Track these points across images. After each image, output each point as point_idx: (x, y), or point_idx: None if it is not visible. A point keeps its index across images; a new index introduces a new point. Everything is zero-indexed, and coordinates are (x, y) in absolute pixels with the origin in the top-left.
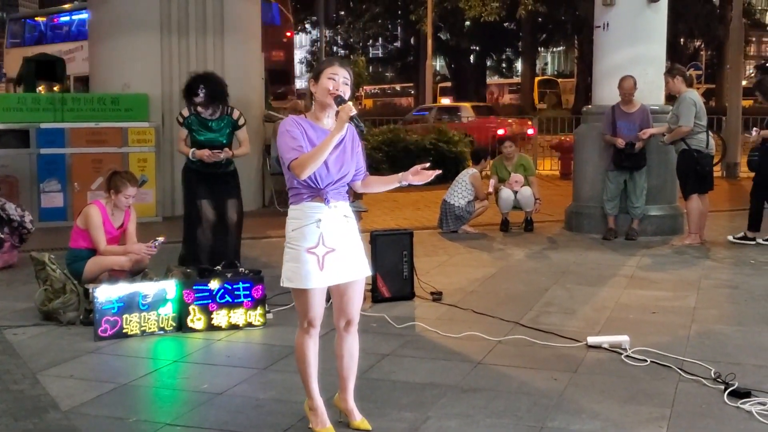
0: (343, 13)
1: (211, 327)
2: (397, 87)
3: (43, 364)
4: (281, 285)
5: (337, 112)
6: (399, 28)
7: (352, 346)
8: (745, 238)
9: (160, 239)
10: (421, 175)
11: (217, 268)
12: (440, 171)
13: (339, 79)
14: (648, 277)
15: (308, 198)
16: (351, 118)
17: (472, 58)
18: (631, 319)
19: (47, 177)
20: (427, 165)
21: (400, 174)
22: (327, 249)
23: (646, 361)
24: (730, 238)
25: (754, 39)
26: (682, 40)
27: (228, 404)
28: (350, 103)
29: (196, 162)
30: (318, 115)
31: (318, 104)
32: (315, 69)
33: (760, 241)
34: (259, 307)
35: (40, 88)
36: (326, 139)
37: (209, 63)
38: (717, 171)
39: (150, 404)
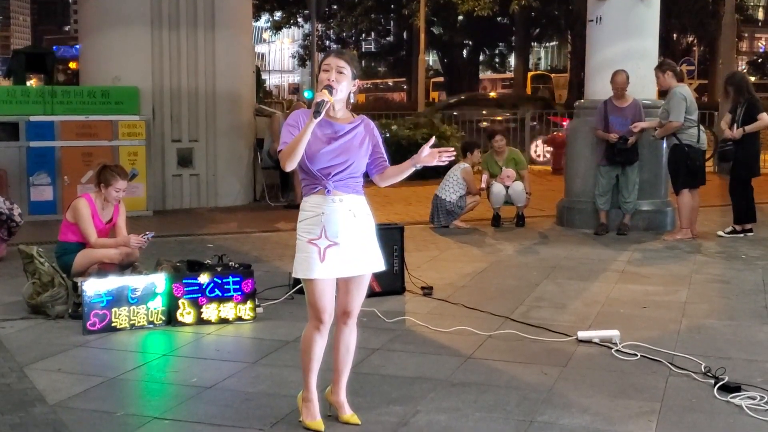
0: (335, 7)
1: (200, 321)
2: (390, 82)
3: (30, 358)
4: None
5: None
6: (391, 22)
7: (348, 339)
8: (734, 231)
9: (150, 233)
10: (431, 155)
11: (207, 262)
12: (453, 150)
13: (332, 68)
14: (639, 272)
15: (314, 190)
16: (316, 104)
17: (464, 52)
18: (621, 313)
19: (36, 170)
20: (433, 141)
21: (412, 157)
22: (329, 242)
23: (637, 355)
24: (720, 233)
25: (746, 35)
26: (674, 35)
27: (217, 398)
28: (324, 92)
29: None
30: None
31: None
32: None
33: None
34: (249, 302)
35: (32, 81)
36: (303, 128)
37: (200, 56)
38: (708, 166)
39: (138, 398)
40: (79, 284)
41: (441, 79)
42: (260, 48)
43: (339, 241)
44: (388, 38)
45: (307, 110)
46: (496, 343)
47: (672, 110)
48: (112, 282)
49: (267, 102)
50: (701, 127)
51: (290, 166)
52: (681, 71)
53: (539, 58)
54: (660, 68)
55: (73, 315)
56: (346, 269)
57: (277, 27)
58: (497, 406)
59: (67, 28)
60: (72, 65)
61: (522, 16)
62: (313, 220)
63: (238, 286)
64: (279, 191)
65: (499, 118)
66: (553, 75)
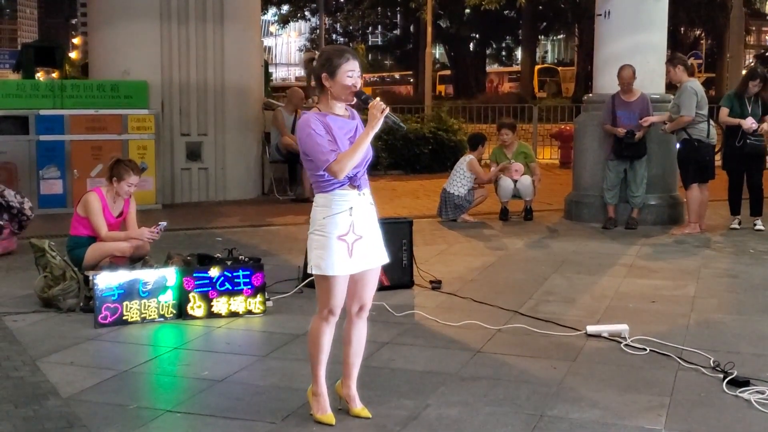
0: (342, 0)
1: (211, 314)
2: (396, 75)
3: (43, 351)
4: (308, 272)
5: (355, 104)
6: (398, 15)
7: (361, 332)
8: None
9: (164, 223)
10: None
11: (217, 256)
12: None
13: (355, 75)
14: (647, 267)
15: (339, 186)
16: (386, 117)
17: (471, 46)
18: (630, 308)
19: (46, 164)
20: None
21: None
22: (356, 236)
23: (646, 349)
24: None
25: (754, 28)
26: (682, 28)
27: (228, 391)
28: (378, 99)
29: None
30: (332, 105)
31: (333, 97)
32: (327, 62)
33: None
34: (258, 295)
35: (39, 74)
36: (361, 137)
37: (209, 50)
38: (717, 160)
39: (150, 391)
40: (90, 278)
41: (448, 72)
42: (267, 41)
43: (363, 234)
44: (395, 31)
45: (320, 113)
46: (506, 337)
47: (683, 105)
48: (124, 276)
49: (275, 96)
50: (711, 122)
51: (344, 174)
52: (692, 65)
53: (546, 52)
54: (671, 62)
55: (84, 308)
56: (367, 262)
57: (284, 20)
58: (507, 400)
59: (74, 21)
60: None
61: (529, 10)
62: (342, 215)
63: (248, 280)
64: (287, 185)
65: None
66: (560, 68)
